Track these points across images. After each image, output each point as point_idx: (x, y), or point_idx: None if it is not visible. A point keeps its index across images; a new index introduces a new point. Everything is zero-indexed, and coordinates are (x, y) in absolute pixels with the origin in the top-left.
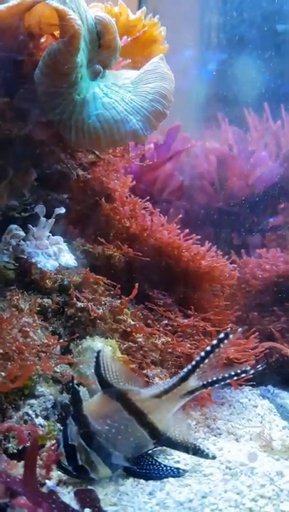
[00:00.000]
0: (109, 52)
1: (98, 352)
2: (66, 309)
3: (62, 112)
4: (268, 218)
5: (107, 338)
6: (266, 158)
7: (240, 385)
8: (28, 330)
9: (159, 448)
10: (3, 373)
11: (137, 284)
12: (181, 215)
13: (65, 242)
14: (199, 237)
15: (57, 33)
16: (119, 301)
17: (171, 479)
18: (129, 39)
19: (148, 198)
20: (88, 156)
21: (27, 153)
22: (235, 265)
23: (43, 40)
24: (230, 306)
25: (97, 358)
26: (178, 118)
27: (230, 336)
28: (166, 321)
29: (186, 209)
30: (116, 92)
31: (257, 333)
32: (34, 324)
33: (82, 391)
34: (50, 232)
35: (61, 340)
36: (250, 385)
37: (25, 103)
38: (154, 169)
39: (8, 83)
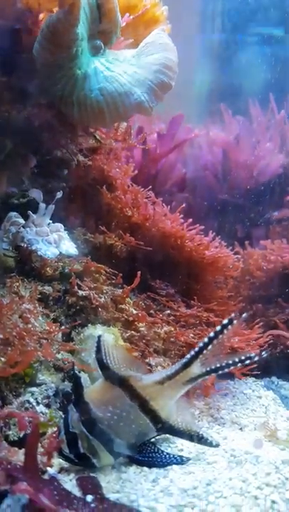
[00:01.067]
0: (110, 26)
1: (99, 337)
2: (67, 298)
3: (64, 88)
4: (273, 211)
5: (109, 326)
6: (271, 149)
7: (245, 375)
8: (29, 316)
9: (162, 436)
10: (3, 358)
11: (139, 273)
12: (184, 206)
13: (65, 231)
14: (203, 227)
15: (55, 9)
16: (121, 291)
17: (174, 467)
18: (131, 17)
19: (150, 188)
20: (89, 140)
21: (26, 138)
22: (240, 256)
23: (41, 16)
24: (234, 298)
25: (98, 342)
26: (180, 109)
27: (235, 322)
28: (168, 311)
29: (188, 201)
30: (118, 66)
31: (261, 323)
32: (35, 311)
33: (84, 377)
34: (50, 220)
35: (63, 327)
36: (253, 377)
37: (24, 83)
38: (156, 160)
39: (6, 62)
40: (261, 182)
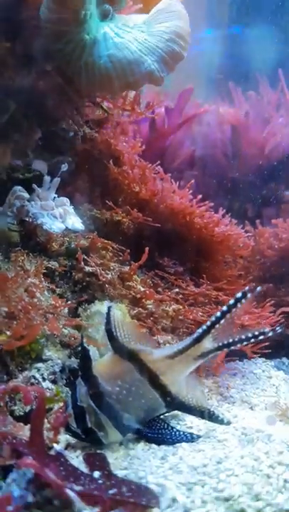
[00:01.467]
0: None
1: (109, 308)
2: (74, 274)
3: (71, 54)
4: (284, 189)
5: (116, 303)
6: (283, 125)
7: (255, 353)
8: (35, 290)
9: (171, 413)
10: (8, 332)
11: (147, 249)
12: (192, 182)
13: (71, 206)
14: (212, 204)
15: None
16: (128, 268)
17: (184, 444)
18: None
19: (158, 163)
20: (96, 111)
21: (31, 108)
22: (251, 234)
23: None
24: (244, 278)
25: (108, 313)
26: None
27: (249, 295)
28: (177, 290)
29: (197, 179)
30: (128, 32)
31: (272, 302)
32: (40, 285)
33: (93, 350)
34: (55, 194)
35: (69, 302)
36: (263, 357)
37: (29, 48)
38: (164, 136)
39: (10, 27)
40: (272, 159)
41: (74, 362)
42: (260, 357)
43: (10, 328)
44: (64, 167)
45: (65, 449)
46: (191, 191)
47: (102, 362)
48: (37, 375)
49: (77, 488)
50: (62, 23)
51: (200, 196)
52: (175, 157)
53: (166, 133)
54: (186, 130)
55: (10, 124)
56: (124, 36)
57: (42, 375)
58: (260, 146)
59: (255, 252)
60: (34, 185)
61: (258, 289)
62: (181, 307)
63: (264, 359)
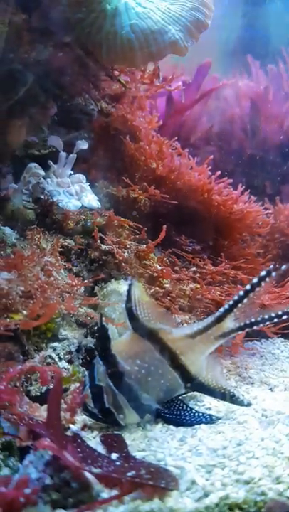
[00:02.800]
0: None
1: (130, 284)
2: (90, 252)
3: (92, 25)
4: None
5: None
6: None
7: (275, 333)
8: (51, 269)
9: (189, 394)
10: (25, 312)
11: (164, 227)
12: (211, 158)
13: (87, 183)
14: (231, 180)
15: None
16: (145, 246)
17: (203, 426)
18: None
19: (176, 138)
20: (113, 86)
21: (46, 83)
22: (270, 212)
23: None
24: (263, 257)
25: (129, 291)
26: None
27: (273, 274)
28: (194, 268)
29: (215, 156)
30: (150, 2)
31: None
32: (57, 264)
33: (112, 329)
34: (71, 171)
35: (85, 281)
36: (282, 337)
37: (47, 20)
38: (181, 111)
39: None
40: None
41: (90, 341)
42: (278, 337)
43: (26, 307)
44: (82, 144)
45: (82, 429)
46: (209, 168)
47: (121, 341)
48: (53, 355)
49: (96, 470)
50: None
51: (218, 173)
52: (192, 133)
53: (183, 108)
54: (204, 105)
55: (27, 98)
56: (147, 5)
57: (58, 354)
58: (279, 121)
59: (275, 230)
60: (50, 162)
61: (283, 267)
62: (198, 286)
63: (282, 339)
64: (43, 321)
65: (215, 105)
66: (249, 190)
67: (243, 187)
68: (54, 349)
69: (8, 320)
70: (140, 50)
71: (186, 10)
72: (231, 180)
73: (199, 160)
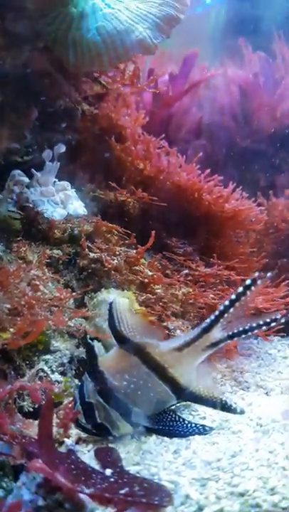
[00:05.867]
0: None
1: (111, 304)
2: (78, 261)
3: (58, 29)
4: None
5: (123, 289)
6: None
7: (269, 335)
8: (38, 283)
9: (184, 403)
10: (12, 329)
11: (153, 232)
12: (200, 155)
13: (73, 188)
14: (222, 177)
15: None
16: (134, 251)
17: (197, 437)
18: None
19: (163, 136)
20: (94, 87)
21: (25, 87)
22: (263, 208)
23: None
24: (257, 254)
25: (110, 309)
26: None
27: (259, 282)
28: (186, 271)
29: (206, 148)
30: (119, 2)
31: (287, 281)
32: (44, 277)
33: (97, 346)
34: (55, 178)
35: (74, 293)
36: (279, 336)
37: (18, 26)
38: (169, 104)
39: None
40: (286, 124)
41: (82, 352)
42: (275, 336)
43: (14, 325)
44: (59, 148)
45: (76, 443)
46: (198, 164)
47: (109, 357)
48: (45, 368)
49: (88, 490)
50: None
51: (208, 170)
52: (181, 126)
53: (170, 101)
54: (192, 96)
55: (5, 104)
56: (115, 6)
57: (50, 367)
58: (271, 110)
59: (269, 226)
60: (33, 170)
61: (268, 275)
62: (191, 290)
63: (279, 338)
64: (31, 339)
65: (205, 94)
66: (241, 184)
67: (235, 182)
68: (46, 362)
69: None
70: (106, 52)
71: (154, 6)
72: (222, 177)
73: (190, 154)
